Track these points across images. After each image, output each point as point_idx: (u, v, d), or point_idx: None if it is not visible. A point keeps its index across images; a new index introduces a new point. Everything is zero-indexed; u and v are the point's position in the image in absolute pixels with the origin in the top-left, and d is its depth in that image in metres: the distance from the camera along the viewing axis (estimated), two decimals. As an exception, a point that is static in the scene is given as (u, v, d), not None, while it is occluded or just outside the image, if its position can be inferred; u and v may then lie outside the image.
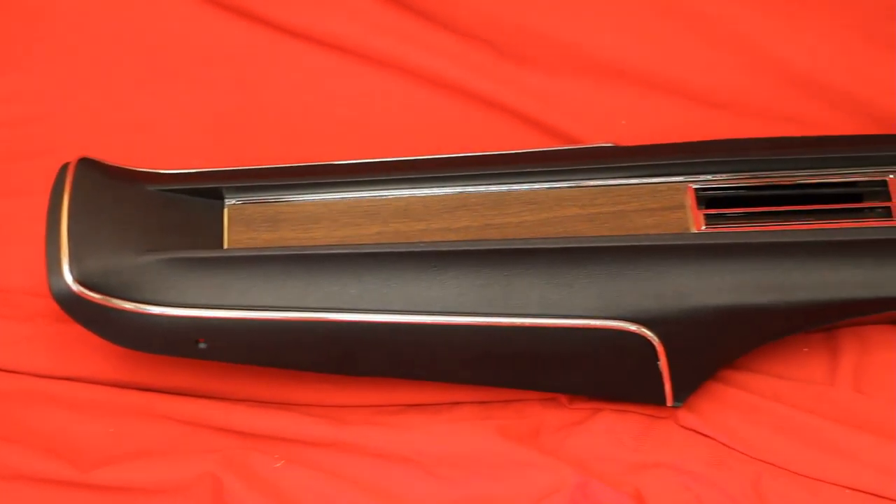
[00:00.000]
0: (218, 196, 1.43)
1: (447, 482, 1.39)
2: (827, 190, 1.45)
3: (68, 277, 1.34)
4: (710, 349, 1.42)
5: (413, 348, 1.39)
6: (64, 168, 1.41)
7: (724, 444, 1.42)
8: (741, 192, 1.45)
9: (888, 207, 1.44)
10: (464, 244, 1.38)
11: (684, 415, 1.44)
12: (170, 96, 1.61)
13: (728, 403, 1.45)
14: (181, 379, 1.46)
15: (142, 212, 1.39)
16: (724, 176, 1.45)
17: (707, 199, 1.44)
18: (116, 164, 1.44)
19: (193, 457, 1.41)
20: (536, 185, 1.44)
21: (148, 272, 1.36)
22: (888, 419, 1.43)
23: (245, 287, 1.36)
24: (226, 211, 1.43)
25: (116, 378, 1.46)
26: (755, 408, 1.44)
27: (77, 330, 1.38)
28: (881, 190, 1.45)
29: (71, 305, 1.35)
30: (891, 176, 1.46)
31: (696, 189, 1.44)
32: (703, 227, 1.42)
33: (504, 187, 1.44)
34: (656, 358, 1.40)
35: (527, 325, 1.38)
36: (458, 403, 1.47)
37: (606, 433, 1.44)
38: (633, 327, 1.38)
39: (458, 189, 1.44)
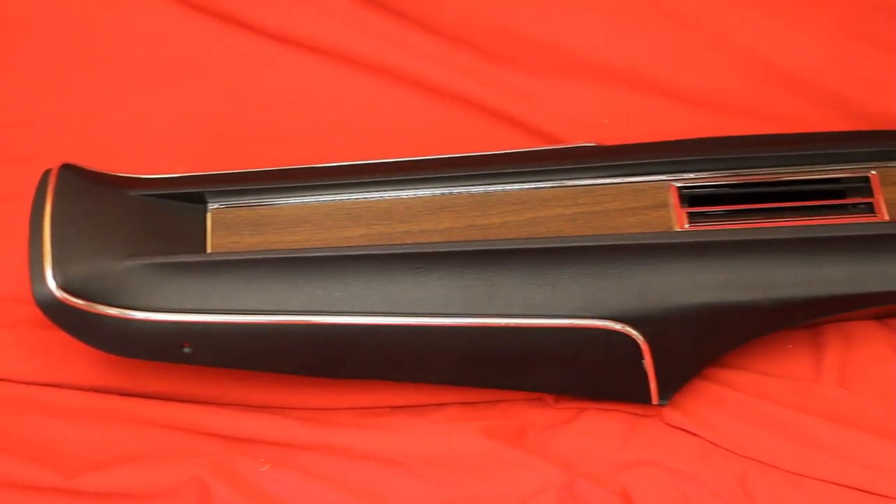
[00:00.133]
0: (201, 200, 1.43)
1: (434, 483, 1.39)
2: (810, 186, 1.46)
3: (51, 284, 1.34)
4: (694, 347, 1.42)
5: (398, 350, 1.39)
6: (46, 174, 1.40)
7: (710, 442, 1.43)
8: (724, 189, 1.45)
9: (870, 203, 1.45)
10: (447, 245, 1.39)
11: (670, 413, 1.44)
12: (152, 101, 1.61)
13: (714, 401, 1.45)
14: (166, 384, 1.46)
15: (124, 217, 1.39)
16: (706, 174, 1.45)
17: (690, 198, 1.44)
18: (98, 170, 1.43)
19: (180, 462, 1.40)
20: (519, 186, 1.44)
21: (131, 277, 1.35)
22: (873, 414, 1.43)
23: (229, 291, 1.36)
24: (209, 215, 1.43)
25: (101, 384, 1.45)
26: (741, 405, 1.44)
27: (61, 336, 1.38)
28: (863, 186, 1.46)
29: (54, 312, 1.35)
30: (873, 172, 1.46)
31: (679, 187, 1.45)
32: (687, 226, 1.43)
33: (487, 188, 1.44)
34: (641, 356, 1.40)
35: (511, 325, 1.38)
36: (443, 405, 1.47)
37: (592, 432, 1.44)
38: (617, 326, 1.39)
39: (442, 190, 1.44)
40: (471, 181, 1.44)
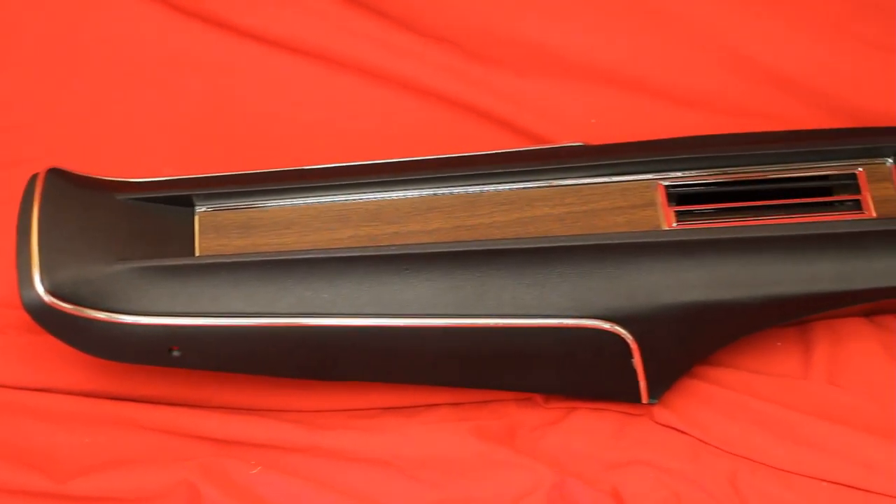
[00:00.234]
0: (188, 203, 1.43)
1: (424, 484, 1.39)
2: (797, 184, 1.46)
3: (39, 288, 1.33)
4: (683, 345, 1.42)
5: (387, 351, 1.39)
6: (33, 179, 1.40)
7: (700, 440, 1.43)
8: (711, 188, 1.45)
9: (858, 200, 1.45)
10: (436, 246, 1.38)
11: (660, 411, 1.44)
12: (139, 105, 1.61)
13: (703, 399, 1.45)
14: (155, 387, 1.45)
15: (112, 221, 1.39)
16: (693, 172, 1.45)
17: (677, 196, 1.44)
18: (86, 174, 1.43)
19: (170, 465, 1.40)
20: (507, 186, 1.44)
21: (119, 281, 1.35)
22: (862, 411, 1.43)
23: (217, 294, 1.36)
24: (196, 218, 1.42)
25: (90, 388, 1.45)
26: (730, 403, 1.44)
27: (50, 341, 1.38)
28: (851, 183, 1.46)
29: (43, 316, 1.34)
30: (860, 169, 1.47)
31: (667, 186, 1.45)
32: (674, 224, 1.43)
33: (475, 188, 1.44)
34: (630, 355, 1.40)
35: (500, 325, 1.38)
36: (433, 405, 1.47)
37: (582, 432, 1.44)
38: (606, 325, 1.39)
39: (429, 191, 1.44)
40: (459, 182, 1.44)
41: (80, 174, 1.43)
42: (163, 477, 1.39)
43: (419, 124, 1.60)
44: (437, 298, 1.38)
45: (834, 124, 1.58)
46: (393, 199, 1.44)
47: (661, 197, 1.44)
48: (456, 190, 1.44)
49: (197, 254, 1.40)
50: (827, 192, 1.46)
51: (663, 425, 1.44)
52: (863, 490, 1.38)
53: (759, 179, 1.46)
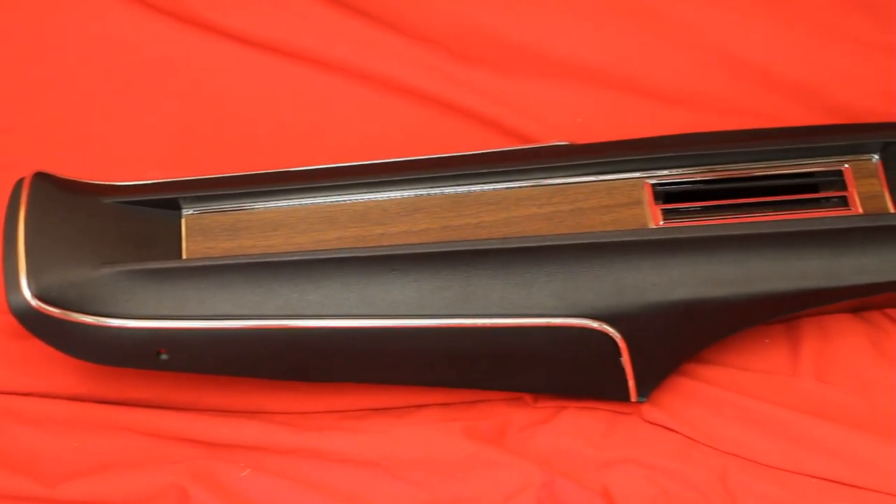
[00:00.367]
0: (175, 206, 1.43)
1: (414, 485, 1.39)
2: (783, 181, 1.46)
3: (26, 293, 1.33)
4: (672, 344, 1.42)
5: (375, 352, 1.39)
6: (19, 183, 1.40)
7: (689, 438, 1.43)
8: (698, 186, 1.45)
9: (844, 197, 1.45)
10: (423, 247, 1.38)
11: (649, 410, 1.45)
12: (124, 108, 1.61)
13: (692, 397, 1.45)
14: (144, 391, 1.45)
15: (99, 225, 1.39)
16: (680, 170, 1.46)
17: (664, 194, 1.45)
18: (72, 178, 1.43)
19: (159, 468, 1.40)
20: (494, 186, 1.44)
21: (106, 285, 1.35)
22: (851, 407, 1.44)
23: (204, 296, 1.36)
24: (183, 221, 1.42)
25: (78, 392, 1.45)
26: (719, 400, 1.44)
27: (37, 345, 1.37)
28: (837, 179, 1.46)
29: (30, 321, 1.34)
30: (846, 165, 1.47)
31: (653, 184, 1.45)
32: (661, 222, 1.43)
33: (461, 189, 1.44)
34: (619, 354, 1.40)
35: (488, 325, 1.38)
36: (422, 406, 1.47)
37: (572, 431, 1.44)
38: (594, 324, 1.39)
39: (416, 192, 1.44)
40: (445, 182, 1.44)
41: (67, 178, 1.43)
42: (152, 480, 1.39)
43: (405, 125, 1.60)
44: (425, 299, 1.38)
45: (820, 121, 1.58)
46: (380, 200, 1.44)
47: (647, 195, 1.44)
48: (442, 190, 1.44)
49: (184, 256, 1.40)
50: (813, 188, 1.46)
51: (652, 423, 1.44)
52: (852, 486, 1.38)
53: (745, 177, 1.46)
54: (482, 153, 1.48)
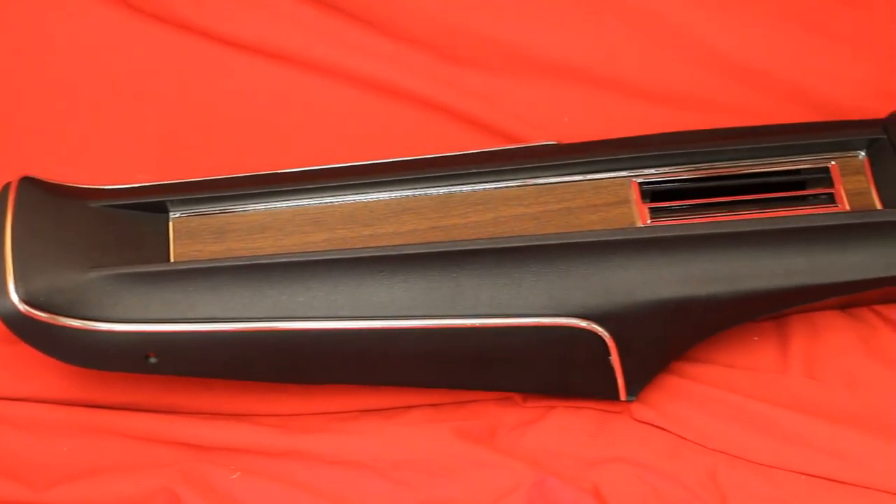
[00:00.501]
0: (162, 209, 1.42)
1: (404, 486, 1.39)
2: (770, 179, 1.46)
3: (14, 297, 1.33)
4: (660, 342, 1.42)
5: (364, 354, 1.39)
6: (6, 188, 1.40)
7: (679, 436, 1.43)
8: (685, 184, 1.46)
9: (831, 194, 1.45)
10: (411, 247, 1.38)
11: (638, 408, 1.45)
12: (110, 111, 1.60)
13: (681, 395, 1.45)
14: (133, 394, 1.45)
15: (86, 228, 1.39)
16: (667, 169, 1.46)
17: (651, 193, 1.45)
18: (58, 182, 1.43)
19: (149, 472, 1.40)
20: (481, 186, 1.45)
21: (94, 289, 1.35)
22: (840, 404, 1.44)
23: (193, 299, 1.36)
24: (171, 224, 1.42)
25: (67, 396, 1.45)
26: (708, 398, 1.44)
27: (26, 350, 1.37)
28: (824, 177, 1.47)
29: (18, 325, 1.34)
30: (833, 162, 1.47)
31: (640, 183, 1.45)
32: (649, 221, 1.43)
33: (449, 189, 1.44)
34: (607, 353, 1.40)
35: (477, 325, 1.38)
36: (412, 407, 1.47)
37: (562, 430, 1.44)
38: (583, 324, 1.39)
39: (404, 193, 1.44)
40: (432, 183, 1.44)
41: (53, 182, 1.43)
42: (142, 484, 1.39)
43: (392, 126, 1.60)
44: (414, 300, 1.38)
45: (806, 118, 1.58)
46: (367, 202, 1.44)
47: (634, 194, 1.44)
48: (430, 191, 1.44)
49: (172, 260, 1.40)
50: (800, 186, 1.46)
51: (642, 422, 1.45)
52: (842, 483, 1.38)
53: (732, 175, 1.46)
54: (469, 153, 1.48)
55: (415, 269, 1.38)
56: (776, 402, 1.43)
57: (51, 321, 1.34)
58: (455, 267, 1.38)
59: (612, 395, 1.43)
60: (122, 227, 1.40)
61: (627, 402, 1.44)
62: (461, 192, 1.44)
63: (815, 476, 1.39)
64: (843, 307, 1.52)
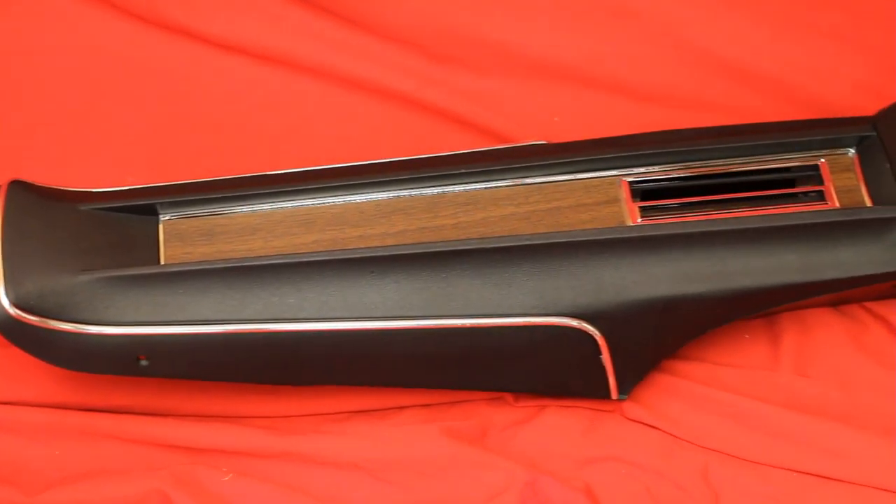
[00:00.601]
0: (152, 212, 1.42)
1: (396, 487, 1.39)
2: (760, 176, 1.46)
3: (4, 301, 1.33)
4: (652, 340, 1.42)
5: (355, 355, 1.39)
6: (-6, 192, 1.40)
7: (670, 434, 1.43)
8: (675, 182, 1.46)
9: (821, 191, 1.46)
10: (401, 248, 1.38)
11: (630, 407, 1.45)
12: (99, 114, 1.60)
13: (673, 393, 1.45)
14: (125, 397, 1.45)
15: (76, 232, 1.38)
16: (657, 168, 1.46)
17: (641, 192, 1.45)
18: (48, 185, 1.43)
19: (141, 475, 1.40)
20: (471, 186, 1.45)
21: (85, 292, 1.35)
22: (831, 401, 1.44)
23: (183, 302, 1.36)
24: (161, 226, 1.42)
25: (59, 400, 1.45)
26: (700, 396, 1.45)
27: (16, 353, 1.37)
28: (813, 174, 1.47)
29: (9, 329, 1.34)
30: (822, 160, 1.47)
31: (630, 182, 1.45)
32: (639, 220, 1.43)
33: (438, 189, 1.44)
34: (599, 352, 1.40)
35: (468, 325, 1.38)
36: (403, 407, 1.47)
37: (553, 429, 1.44)
38: (574, 323, 1.39)
39: (393, 193, 1.44)
40: (422, 183, 1.44)
41: (43, 185, 1.42)
42: (134, 487, 1.39)
43: (381, 126, 1.60)
44: (404, 300, 1.38)
45: (795, 116, 1.58)
46: (357, 203, 1.44)
47: (624, 193, 1.44)
48: (420, 191, 1.44)
49: (162, 262, 1.40)
50: (790, 183, 1.47)
51: (634, 421, 1.45)
52: (833, 479, 1.38)
53: (722, 173, 1.46)
54: (459, 153, 1.48)
55: (405, 270, 1.38)
56: (767, 399, 1.44)
57: (41, 325, 1.34)
58: (445, 267, 1.38)
59: (603, 394, 1.43)
60: (112, 229, 1.40)
61: (619, 400, 1.44)
62: (451, 192, 1.44)
63: (806, 473, 1.39)
64: (833, 304, 1.52)
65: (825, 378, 1.46)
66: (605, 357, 1.41)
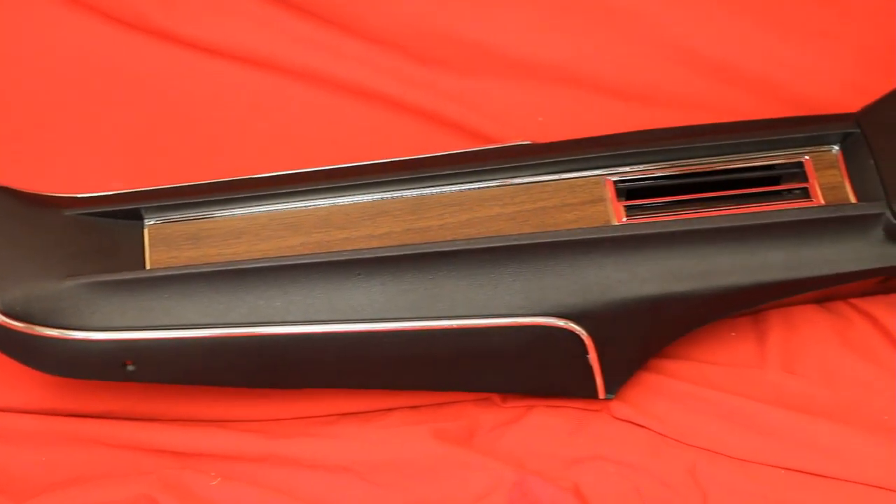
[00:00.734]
0: (137, 217, 1.42)
1: (385, 488, 1.39)
2: (745, 174, 1.46)
3: (-10, 308, 1.33)
4: (638, 339, 1.42)
5: (342, 357, 1.39)
6: (-21, 198, 1.40)
7: (658, 433, 1.43)
8: (660, 181, 1.46)
9: (805, 188, 1.46)
10: (386, 250, 1.38)
11: (617, 406, 1.45)
12: (84, 119, 1.60)
13: (660, 392, 1.45)
14: (112, 402, 1.45)
15: (61, 237, 1.38)
16: (641, 167, 1.46)
17: (626, 191, 1.45)
18: (32, 191, 1.42)
19: (128, 480, 1.40)
20: (456, 187, 1.44)
21: (70, 297, 1.34)
22: (818, 398, 1.44)
23: (169, 306, 1.36)
24: (146, 231, 1.42)
25: (45, 406, 1.44)
26: (687, 395, 1.45)
27: (2, 360, 1.37)
28: (798, 171, 1.47)
29: (-6, 336, 1.34)
30: (806, 157, 1.47)
31: (615, 181, 1.45)
32: (625, 219, 1.43)
33: (424, 191, 1.44)
34: (585, 352, 1.40)
35: (454, 327, 1.38)
36: (391, 409, 1.46)
37: (541, 429, 1.44)
38: (560, 323, 1.39)
39: (378, 195, 1.44)
40: (407, 185, 1.44)
41: (27, 191, 1.42)
42: (122, 492, 1.39)
43: (365, 128, 1.60)
44: (391, 302, 1.38)
45: (779, 113, 1.58)
46: (342, 205, 1.44)
47: (610, 192, 1.44)
48: (405, 193, 1.44)
49: (148, 267, 1.40)
50: (775, 181, 1.47)
51: (621, 420, 1.45)
52: (820, 476, 1.39)
53: (707, 171, 1.46)
54: (444, 155, 1.47)
55: (391, 272, 1.38)
56: (754, 396, 1.44)
57: (27, 331, 1.33)
58: (431, 268, 1.38)
59: (590, 394, 1.44)
60: (97, 235, 1.40)
61: (606, 400, 1.45)
62: (436, 193, 1.44)
63: (794, 470, 1.40)
64: (819, 301, 1.53)
65: (811, 375, 1.47)
66: (592, 356, 1.41)
